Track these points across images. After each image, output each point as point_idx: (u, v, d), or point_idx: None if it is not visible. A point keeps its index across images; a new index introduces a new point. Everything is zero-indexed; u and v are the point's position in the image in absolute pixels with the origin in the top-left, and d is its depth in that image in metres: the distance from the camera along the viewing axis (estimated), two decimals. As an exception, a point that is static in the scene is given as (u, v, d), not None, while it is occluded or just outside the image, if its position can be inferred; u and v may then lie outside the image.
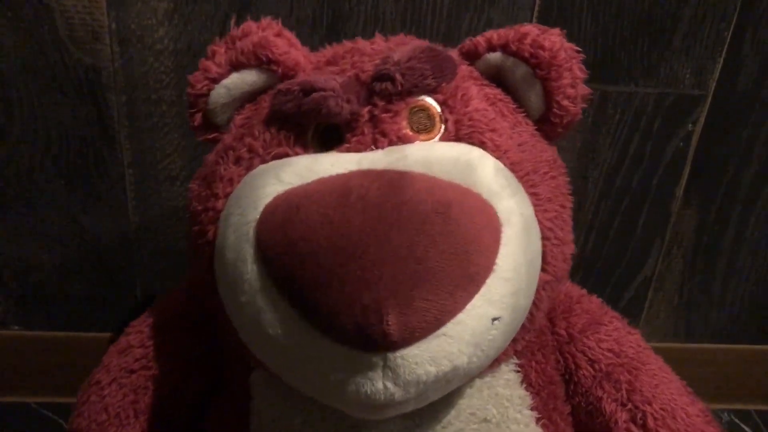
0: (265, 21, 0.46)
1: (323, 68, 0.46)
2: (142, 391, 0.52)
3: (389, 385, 0.36)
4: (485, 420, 0.47)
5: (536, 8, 0.69)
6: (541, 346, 0.52)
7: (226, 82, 0.46)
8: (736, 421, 0.91)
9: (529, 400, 0.50)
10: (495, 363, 0.45)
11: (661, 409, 0.50)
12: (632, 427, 0.50)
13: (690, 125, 0.76)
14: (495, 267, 0.38)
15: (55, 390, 0.83)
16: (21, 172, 0.73)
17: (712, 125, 0.76)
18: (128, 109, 0.70)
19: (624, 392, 0.51)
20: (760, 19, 0.71)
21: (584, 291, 0.56)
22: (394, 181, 0.37)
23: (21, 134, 0.71)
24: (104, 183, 0.74)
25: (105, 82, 0.69)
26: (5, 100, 0.69)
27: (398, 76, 0.41)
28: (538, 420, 0.50)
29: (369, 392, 0.37)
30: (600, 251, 0.82)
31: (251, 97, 0.47)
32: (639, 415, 0.50)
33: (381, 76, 0.42)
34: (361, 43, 0.48)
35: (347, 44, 0.48)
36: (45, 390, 0.83)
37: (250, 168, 0.43)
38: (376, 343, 0.35)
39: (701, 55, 0.72)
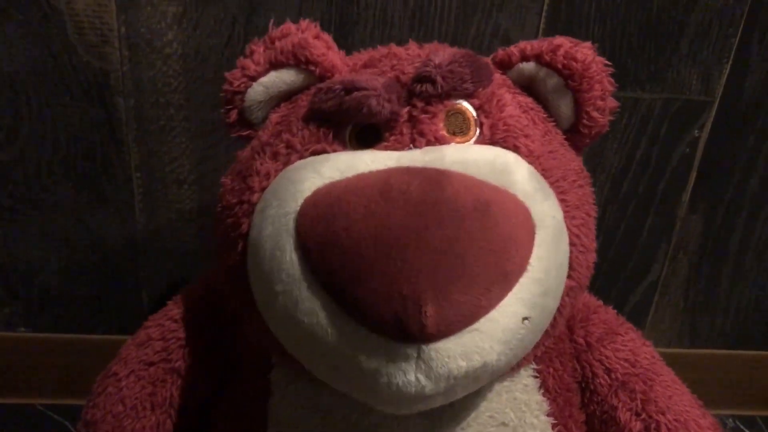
0: (305, 23, 0.47)
1: (361, 70, 0.47)
2: (160, 384, 0.52)
3: (421, 377, 0.37)
4: (503, 424, 0.48)
5: (544, 13, 0.69)
6: (559, 353, 0.52)
7: (264, 80, 0.47)
8: (741, 427, 0.91)
9: (546, 406, 0.50)
10: (515, 367, 0.46)
11: (675, 419, 0.51)
12: None
13: (696, 131, 0.76)
14: (528, 267, 0.39)
15: (61, 392, 0.83)
16: (29, 175, 0.73)
17: (719, 131, 0.76)
18: (136, 113, 0.71)
19: (639, 402, 0.51)
20: (767, 25, 0.71)
21: (600, 302, 0.57)
22: (434, 178, 0.38)
23: (29, 137, 0.71)
24: (112, 186, 0.74)
25: (113, 86, 0.69)
26: (14, 103, 0.69)
27: (439, 79, 0.42)
28: (554, 426, 0.50)
29: (401, 384, 0.37)
30: (606, 255, 0.82)
31: (287, 96, 0.48)
32: (653, 425, 0.51)
33: (422, 78, 0.42)
34: (396, 49, 0.49)
35: (382, 49, 0.49)
36: (51, 391, 0.83)
37: (287, 163, 0.43)
38: (413, 334, 0.36)
39: (708, 60, 0.72)
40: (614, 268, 0.83)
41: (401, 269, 0.35)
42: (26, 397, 0.84)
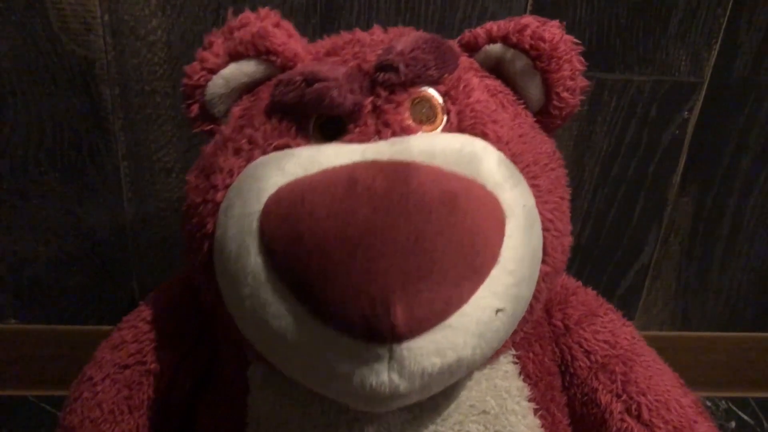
0: (264, 11, 0.46)
1: (323, 59, 0.45)
2: (136, 386, 0.51)
3: (394, 377, 0.36)
4: (484, 412, 0.47)
5: (531, -4, 0.69)
6: (538, 338, 0.52)
7: (223, 72, 0.45)
8: (734, 408, 0.91)
9: (526, 391, 0.50)
10: (494, 355, 0.45)
11: (656, 400, 0.50)
12: (627, 417, 0.50)
13: (686, 112, 0.76)
14: (499, 258, 0.38)
15: (52, 383, 0.83)
16: (15, 165, 0.73)
17: (708, 112, 0.76)
18: (122, 101, 0.70)
19: (619, 383, 0.51)
20: (755, 5, 0.71)
21: (579, 283, 0.56)
22: (400, 171, 0.37)
23: (14, 127, 0.71)
24: (99, 175, 0.74)
25: (98, 74, 0.69)
26: (-2, 93, 0.69)
27: (402, 67, 0.41)
28: (535, 411, 0.50)
29: (374, 384, 0.36)
30: (597, 240, 0.82)
31: (249, 88, 0.47)
32: (634, 406, 0.50)
33: (384, 66, 0.41)
34: (360, 34, 0.47)
35: (346, 35, 0.48)
36: (43, 383, 0.83)
37: (250, 159, 0.42)
38: (383, 334, 0.35)
39: (697, 41, 0.72)
40: (605, 252, 0.83)
41: (368, 269, 0.34)
42: (18, 389, 0.84)
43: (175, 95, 0.70)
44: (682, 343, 0.89)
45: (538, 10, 0.69)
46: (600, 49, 0.71)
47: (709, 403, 0.91)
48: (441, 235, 0.35)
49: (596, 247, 0.83)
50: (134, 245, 0.78)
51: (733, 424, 0.89)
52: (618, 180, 0.79)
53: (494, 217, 0.38)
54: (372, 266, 0.34)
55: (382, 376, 0.36)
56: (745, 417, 0.90)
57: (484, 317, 0.37)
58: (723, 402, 0.92)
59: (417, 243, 0.35)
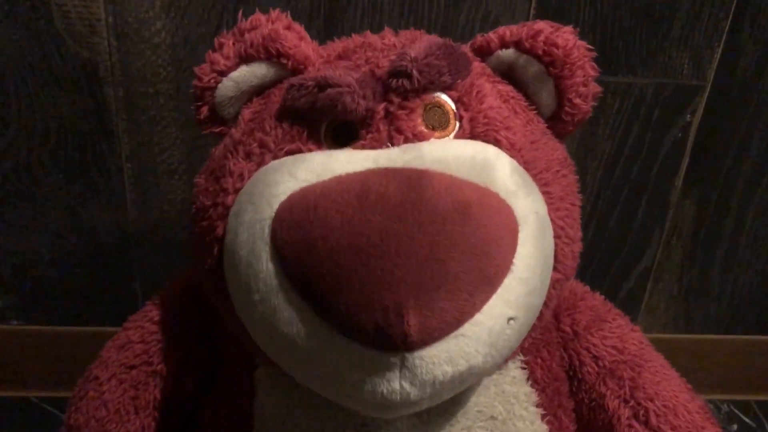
0: (275, 13, 0.45)
1: (334, 62, 0.45)
2: (142, 386, 0.51)
3: (406, 385, 0.36)
4: (492, 417, 0.47)
5: (534, -2, 0.69)
6: (546, 343, 0.52)
7: (234, 75, 0.45)
8: (736, 411, 0.91)
9: (534, 397, 0.50)
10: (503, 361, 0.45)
11: (663, 405, 0.50)
12: (635, 423, 0.50)
13: (688, 115, 0.76)
14: (512, 267, 0.38)
15: (55, 384, 0.83)
16: (19, 167, 0.73)
17: (711, 115, 0.76)
18: (126, 103, 0.70)
19: (627, 389, 0.51)
20: (758, 8, 0.71)
21: (587, 288, 0.56)
22: (413, 180, 0.36)
23: (18, 128, 0.71)
24: (102, 177, 0.74)
25: (102, 76, 0.69)
26: (2, 94, 0.69)
27: (415, 73, 0.40)
28: (543, 417, 0.50)
29: (385, 392, 0.36)
30: (599, 242, 0.82)
31: (259, 90, 0.46)
32: (641, 412, 0.50)
33: (397, 73, 0.40)
34: (371, 38, 0.47)
35: (357, 38, 0.47)
36: (45, 384, 0.83)
37: (261, 163, 0.42)
38: (396, 343, 0.35)
39: (700, 44, 0.72)
40: (608, 254, 0.83)
41: (381, 278, 0.34)
42: (20, 390, 0.84)
43: (179, 97, 0.70)
44: (685, 345, 0.89)
45: (542, 14, 0.69)
46: (603, 52, 0.71)
47: (711, 406, 0.91)
48: (454, 246, 0.35)
49: (599, 250, 0.83)
50: (137, 247, 0.78)
51: (735, 427, 0.89)
52: (620, 183, 0.79)
53: (507, 226, 0.38)
54: (385, 276, 0.34)
55: (394, 384, 0.36)
56: (747, 420, 0.91)
57: (496, 326, 0.37)
58: (725, 405, 0.92)
59: (430, 253, 0.35)
